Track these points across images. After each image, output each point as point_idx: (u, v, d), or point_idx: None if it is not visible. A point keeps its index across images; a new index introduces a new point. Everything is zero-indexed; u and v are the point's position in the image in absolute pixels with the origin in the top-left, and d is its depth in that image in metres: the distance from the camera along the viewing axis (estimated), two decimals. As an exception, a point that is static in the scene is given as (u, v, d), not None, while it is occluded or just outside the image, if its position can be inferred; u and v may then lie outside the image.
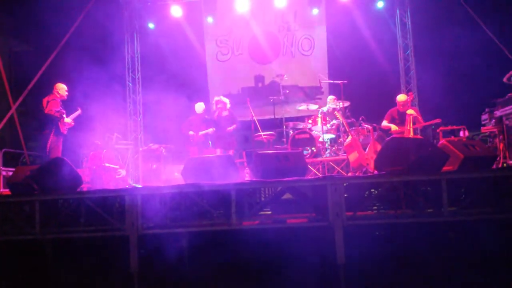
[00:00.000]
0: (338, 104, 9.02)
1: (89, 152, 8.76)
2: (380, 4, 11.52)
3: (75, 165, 5.51)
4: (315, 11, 11.82)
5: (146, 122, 12.39)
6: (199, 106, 9.11)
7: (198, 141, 8.87)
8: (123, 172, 8.52)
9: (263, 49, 12.15)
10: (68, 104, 8.17)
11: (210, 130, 8.81)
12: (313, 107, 9.70)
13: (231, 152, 8.57)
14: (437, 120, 7.98)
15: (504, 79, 7.27)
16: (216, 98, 9.01)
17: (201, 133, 8.85)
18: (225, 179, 4.96)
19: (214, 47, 12.42)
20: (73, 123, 7.87)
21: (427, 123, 8.03)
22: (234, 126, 8.79)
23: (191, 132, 8.86)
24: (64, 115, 7.72)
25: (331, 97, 9.53)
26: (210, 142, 8.91)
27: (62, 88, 7.89)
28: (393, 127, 8.00)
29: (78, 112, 8.06)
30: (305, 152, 8.52)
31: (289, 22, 12.12)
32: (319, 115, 9.12)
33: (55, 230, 4.92)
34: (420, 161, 4.59)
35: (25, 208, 5.26)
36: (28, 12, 10.45)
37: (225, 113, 8.82)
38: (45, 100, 7.63)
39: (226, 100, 8.93)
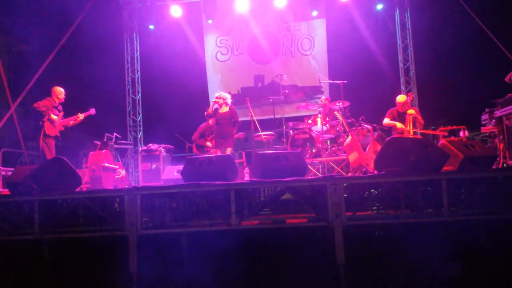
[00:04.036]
0: (338, 104, 9.02)
1: (88, 152, 8.75)
2: (379, 5, 11.53)
3: (75, 165, 5.50)
4: (314, 11, 11.82)
5: (145, 122, 12.40)
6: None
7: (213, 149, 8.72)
8: (122, 172, 8.49)
9: (262, 49, 12.16)
10: (71, 106, 8.17)
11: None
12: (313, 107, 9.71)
13: (228, 151, 8.37)
14: (444, 133, 7.94)
15: (506, 79, 7.26)
16: (217, 94, 8.47)
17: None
18: (225, 179, 4.94)
19: (214, 47, 12.43)
20: (60, 122, 7.85)
21: (430, 131, 7.99)
22: (236, 126, 8.31)
23: (208, 144, 8.68)
24: (53, 116, 7.71)
25: (323, 97, 9.55)
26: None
27: (58, 92, 7.88)
28: (398, 124, 7.96)
29: (79, 118, 8.03)
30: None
31: (288, 22, 12.13)
32: (319, 115, 9.11)
33: (54, 230, 4.90)
34: (420, 161, 4.58)
35: (24, 208, 5.24)
36: (27, 12, 10.43)
37: (224, 110, 8.29)
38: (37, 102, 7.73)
39: (227, 96, 8.40)
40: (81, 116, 8.03)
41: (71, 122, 8.03)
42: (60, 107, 7.93)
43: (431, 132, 8.02)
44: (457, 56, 10.18)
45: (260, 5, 11.87)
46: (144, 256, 4.75)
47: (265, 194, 6.08)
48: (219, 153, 8.24)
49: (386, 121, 8.21)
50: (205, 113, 8.73)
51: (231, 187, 4.63)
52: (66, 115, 7.99)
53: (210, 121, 8.78)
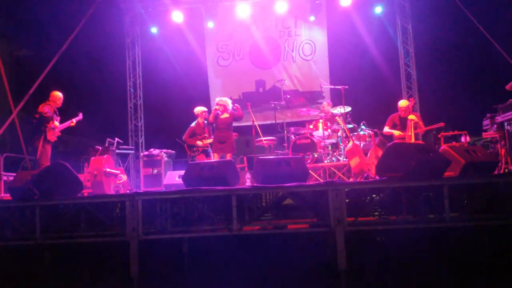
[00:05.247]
0: (339, 109, 9.03)
1: (89, 157, 8.75)
2: (379, 10, 11.55)
3: (76, 170, 5.50)
4: (314, 17, 11.84)
5: (147, 127, 12.41)
6: (200, 110, 8.81)
7: (204, 149, 8.64)
8: (124, 177, 8.49)
9: (264, 54, 12.18)
10: (69, 110, 8.17)
11: (210, 140, 8.57)
12: (314, 112, 9.71)
13: (229, 156, 8.24)
14: (440, 124, 7.92)
15: (507, 87, 7.25)
16: (217, 99, 8.46)
17: (206, 141, 8.60)
18: (226, 184, 4.94)
19: (215, 52, 12.45)
20: (61, 128, 7.83)
21: (430, 127, 8.01)
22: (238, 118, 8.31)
23: (199, 142, 8.54)
24: (56, 122, 7.71)
25: (325, 103, 9.55)
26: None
27: (58, 97, 7.87)
28: (396, 132, 7.99)
29: (72, 124, 7.99)
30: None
31: (290, 27, 12.15)
32: (320, 120, 9.12)
33: (55, 235, 4.90)
34: (421, 167, 4.58)
35: (26, 213, 5.24)
36: (29, 17, 10.47)
37: (225, 115, 8.23)
38: (40, 106, 7.70)
39: (228, 101, 8.34)
40: (73, 122, 8.01)
41: (72, 123, 8.00)
42: (57, 112, 7.92)
43: (433, 127, 8.00)
44: (458, 62, 10.19)
45: (261, 11, 11.91)
46: (145, 261, 4.75)
47: (267, 200, 6.06)
48: (217, 157, 8.18)
49: (386, 129, 8.24)
50: (197, 119, 8.73)
51: (233, 193, 4.63)
52: (65, 120, 7.99)
53: (199, 120, 8.71)
